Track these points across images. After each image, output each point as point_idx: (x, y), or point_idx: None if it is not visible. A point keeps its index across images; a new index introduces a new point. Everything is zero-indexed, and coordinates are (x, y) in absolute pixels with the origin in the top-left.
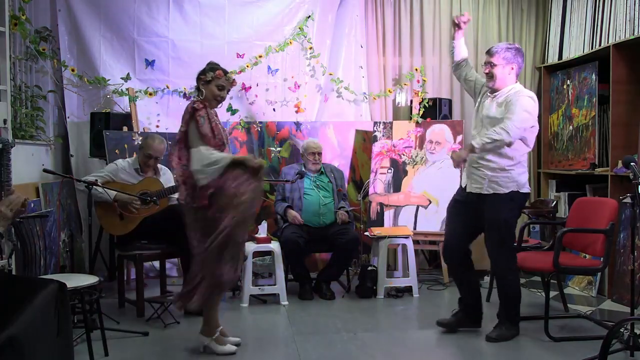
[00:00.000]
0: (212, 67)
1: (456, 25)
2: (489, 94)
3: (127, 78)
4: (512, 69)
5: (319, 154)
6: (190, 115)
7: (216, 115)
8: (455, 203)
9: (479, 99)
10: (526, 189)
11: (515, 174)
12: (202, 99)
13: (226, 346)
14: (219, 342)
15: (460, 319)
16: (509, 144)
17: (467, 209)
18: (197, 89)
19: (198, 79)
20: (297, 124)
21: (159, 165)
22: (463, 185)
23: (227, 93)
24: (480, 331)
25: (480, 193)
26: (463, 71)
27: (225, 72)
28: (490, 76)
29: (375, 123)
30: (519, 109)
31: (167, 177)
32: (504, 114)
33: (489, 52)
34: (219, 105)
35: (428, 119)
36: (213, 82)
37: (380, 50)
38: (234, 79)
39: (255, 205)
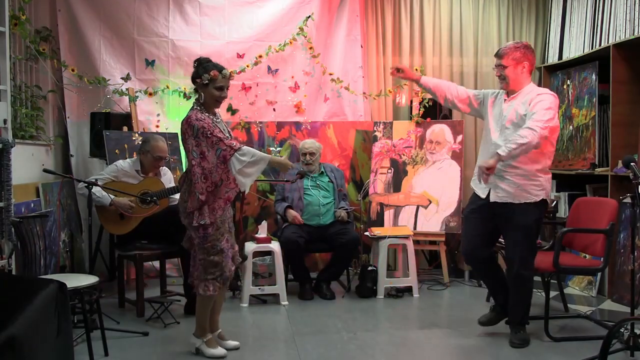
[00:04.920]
0: (205, 67)
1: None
2: (505, 97)
3: (127, 78)
4: (524, 67)
5: (311, 154)
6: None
7: (214, 116)
8: (474, 211)
9: (491, 107)
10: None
11: (544, 180)
12: (201, 102)
13: (216, 349)
14: (209, 345)
15: (499, 313)
16: (536, 146)
17: (488, 215)
18: (195, 91)
19: (194, 82)
20: (297, 124)
21: None
22: (482, 196)
23: (227, 90)
24: (479, 331)
25: (509, 202)
26: (458, 102)
27: (220, 70)
28: (503, 78)
29: (375, 123)
30: (540, 107)
31: (167, 177)
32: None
33: (498, 55)
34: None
35: (428, 119)
36: (210, 84)
37: (380, 50)
38: (230, 73)
39: None
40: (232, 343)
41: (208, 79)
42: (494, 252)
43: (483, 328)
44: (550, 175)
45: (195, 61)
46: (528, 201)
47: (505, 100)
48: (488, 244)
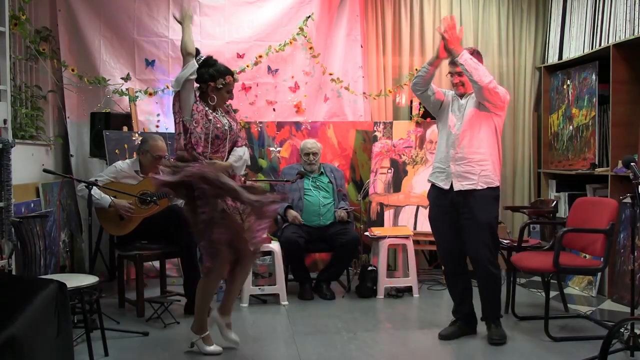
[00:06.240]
0: (220, 71)
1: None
2: (459, 97)
3: (127, 78)
4: None
5: (314, 154)
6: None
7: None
8: (439, 209)
9: (451, 105)
10: None
11: (497, 166)
12: (212, 104)
13: (212, 346)
14: (206, 342)
15: (461, 327)
16: (477, 81)
17: (452, 214)
18: (200, 89)
19: (205, 83)
20: (297, 124)
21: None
22: (446, 187)
23: None
24: (479, 331)
25: (473, 189)
26: (429, 90)
27: (232, 74)
28: (462, 84)
29: (375, 123)
30: (488, 74)
31: None
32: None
33: (455, 63)
34: None
35: (428, 119)
36: (224, 88)
37: (380, 50)
38: (237, 77)
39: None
40: (234, 337)
41: (223, 83)
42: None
43: (484, 327)
44: (500, 165)
45: (199, 59)
46: (490, 186)
47: (460, 98)
48: (460, 241)
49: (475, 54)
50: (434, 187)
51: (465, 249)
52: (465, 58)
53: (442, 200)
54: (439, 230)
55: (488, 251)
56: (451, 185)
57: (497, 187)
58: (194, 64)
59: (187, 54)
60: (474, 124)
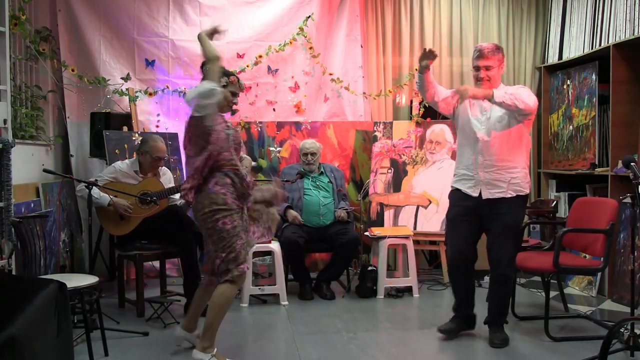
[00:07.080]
0: (226, 71)
1: (427, 59)
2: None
3: (127, 78)
4: (502, 68)
5: (312, 154)
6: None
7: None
8: (460, 209)
9: (471, 108)
10: None
11: (527, 172)
12: None
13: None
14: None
15: (459, 324)
16: (524, 109)
17: (473, 216)
18: None
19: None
20: (297, 124)
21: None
22: (474, 195)
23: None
24: (478, 332)
25: (502, 197)
26: (435, 96)
27: (238, 79)
28: (488, 79)
29: (375, 123)
30: (526, 92)
31: (167, 178)
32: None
33: (483, 55)
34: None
35: (428, 119)
36: (227, 87)
37: (380, 50)
38: (244, 85)
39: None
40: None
41: (227, 82)
42: (476, 257)
43: (484, 328)
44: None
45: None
46: (520, 194)
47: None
48: (474, 248)
49: (500, 50)
50: (458, 190)
51: (487, 250)
52: (500, 95)
53: (465, 202)
54: (455, 229)
55: (509, 254)
56: (479, 193)
57: (526, 195)
58: (219, 91)
59: (213, 57)
60: (504, 129)
